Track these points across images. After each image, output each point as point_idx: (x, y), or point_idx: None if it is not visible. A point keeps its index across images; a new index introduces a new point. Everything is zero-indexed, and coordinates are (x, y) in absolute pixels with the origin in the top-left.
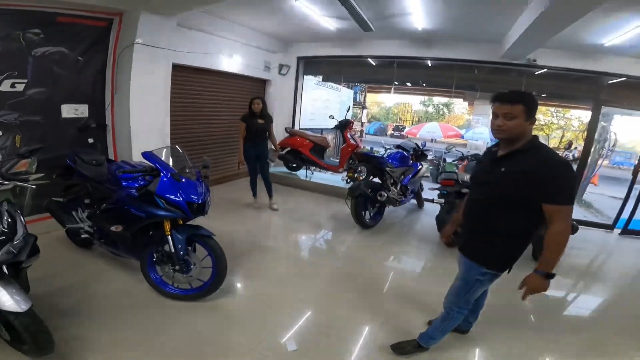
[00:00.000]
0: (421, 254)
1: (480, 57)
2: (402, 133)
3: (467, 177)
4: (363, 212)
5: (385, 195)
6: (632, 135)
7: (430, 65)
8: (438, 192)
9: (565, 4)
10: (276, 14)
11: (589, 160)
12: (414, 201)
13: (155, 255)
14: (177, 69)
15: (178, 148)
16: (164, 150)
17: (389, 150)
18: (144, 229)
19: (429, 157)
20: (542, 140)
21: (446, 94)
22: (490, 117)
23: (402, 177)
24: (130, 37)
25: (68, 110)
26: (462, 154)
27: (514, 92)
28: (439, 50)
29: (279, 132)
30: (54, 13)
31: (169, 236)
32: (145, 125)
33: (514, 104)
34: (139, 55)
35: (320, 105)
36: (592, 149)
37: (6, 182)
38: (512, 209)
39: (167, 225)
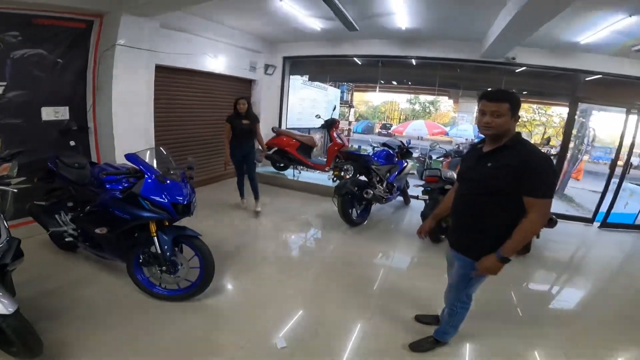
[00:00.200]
0: (408, 250)
1: (462, 56)
2: (389, 131)
3: (449, 173)
4: (350, 210)
5: (372, 192)
6: (610, 130)
7: (414, 64)
8: (422, 188)
9: (537, 5)
10: (261, 15)
11: (568, 155)
12: (400, 198)
13: (141, 257)
14: (161, 70)
15: (162, 149)
16: (148, 151)
17: (376, 149)
18: (129, 231)
19: (416, 155)
20: (525, 136)
21: (430, 92)
22: (475, 114)
23: (388, 174)
24: (111, 39)
25: (48, 113)
26: (446, 151)
27: (501, 90)
28: (423, 49)
29: (265, 132)
30: (32, 15)
31: (155, 237)
32: (129, 127)
33: (501, 102)
34: (120, 57)
35: (308, 104)
36: (572, 145)
37: None
38: (498, 203)
39: (153, 227)
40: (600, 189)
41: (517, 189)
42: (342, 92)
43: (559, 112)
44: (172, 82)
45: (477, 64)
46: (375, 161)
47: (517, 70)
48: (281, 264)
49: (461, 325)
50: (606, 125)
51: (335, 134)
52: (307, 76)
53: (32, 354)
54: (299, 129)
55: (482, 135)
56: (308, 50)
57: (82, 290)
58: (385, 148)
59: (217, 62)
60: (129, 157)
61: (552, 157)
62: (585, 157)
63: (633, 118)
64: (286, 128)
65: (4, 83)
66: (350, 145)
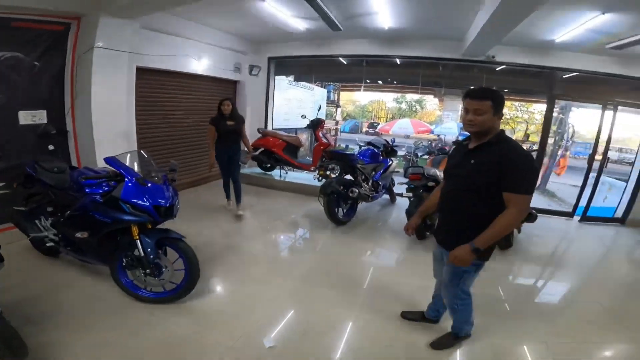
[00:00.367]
0: (394, 247)
1: (444, 55)
2: (376, 130)
3: (432, 170)
4: (336, 209)
5: (357, 191)
6: (589, 126)
7: (399, 63)
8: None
9: (512, 3)
10: (244, 15)
11: (548, 151)
12: (386, 196)
13: (124, 260)
14: (143, 72)
15: (143, 152)
16: (128, 155)
17: (362, 148)
18: (112, 235)
19: (402, 153)
20: (508, 133)
21: (414, 91)
22: (460, 112)
23: (374, 173)
24: (89, 41)
25: (25, 117)
26: (429, 149)
27: (483, 89)
28: (406, 49)
29: (251, 133)
30: (8, 18)
31: (138, 240)
32: (109, 130)
33: (483, 100)
34: (99, 60)
35: (294, 105)
36: (552, 141)
37: None
38: (483, 199)
39: (135, 230)
40: (580, 183)
41: (497, 185)
42: (328, 92)
43: (541, 109)
44: (154, 84)
45: (458, 63)
46: (360, 160)
47: (497, 69)
48: (268, 264)
49: (473, 317)
50: (585, 121)
51: (320, 134)
52: (292, 77)
53: (16, 356)
54: (286, 130)
55: (466, 133)
56: (293, 51)
57: (66, 295)
58: (371, 147)
59: (200, 64)
60: (108, 160)
61: (532, 154)
62: (567, 153)
63: (609, 114)
64: (272, 128)
65: None
66: (337, 145)
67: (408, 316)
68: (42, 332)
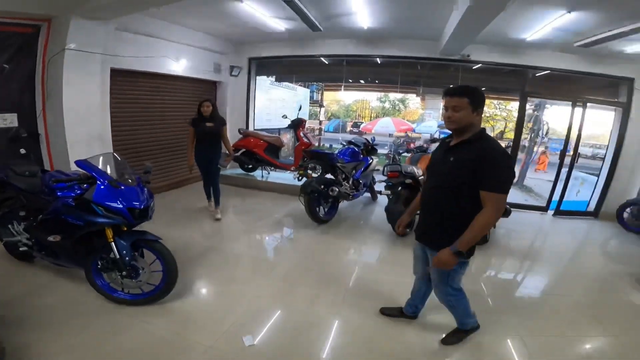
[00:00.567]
0: (375, 244)
1: (422, 54)
2: (360, 129)
3: (410, 168)
4: (317, 208)
5: (337, 190)
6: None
7: (379, 62)
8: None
9: (481, 3)
10: (222, 16)
11: (522, 147)
12: (368, 194)
13: (99, 263)
14: (118, 73)
15: (116, 155)
16: (101, 157)
17: (344, 147)
18: (86, 238)
19: (385, 152)
20: (488, 131)
21: (394, 90)
22: (440, 110)
23: (354, 171)
24: (60, 43)
25: None
26: (400, 147)
27: (461, 86)
28: (385, 48)
29: (232, 134)
30: None
31: (113, 243)
32: (83, 133)
33: (460, 97)
34: (70, 62)
35: (277, 105)
36: (528, 137)
37: None
38: (462, 196)
39: (109, 232)
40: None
41: (475, 183)
42: (312, 92)
43: (517, 107)
44: (130, 86)
45: (436, 62)
46: (340, 159)
47: (473, 67)
48: (249, 264)
49: (472, 309)
50: (559, 118)
51: (302, 134)
52: (274, 77)
53: None
54: (268, 130)
55: (447, 131)
56: (274, 51)
57: (43, 299)
58: (351, 146)
59: (179, 64)
60: (79, 163)
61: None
62: (542, 149)
63: (579, 111)
64: (254, 129)
65: None
66: (322, 145)
67: (387, 312)
68: (19, 334)
